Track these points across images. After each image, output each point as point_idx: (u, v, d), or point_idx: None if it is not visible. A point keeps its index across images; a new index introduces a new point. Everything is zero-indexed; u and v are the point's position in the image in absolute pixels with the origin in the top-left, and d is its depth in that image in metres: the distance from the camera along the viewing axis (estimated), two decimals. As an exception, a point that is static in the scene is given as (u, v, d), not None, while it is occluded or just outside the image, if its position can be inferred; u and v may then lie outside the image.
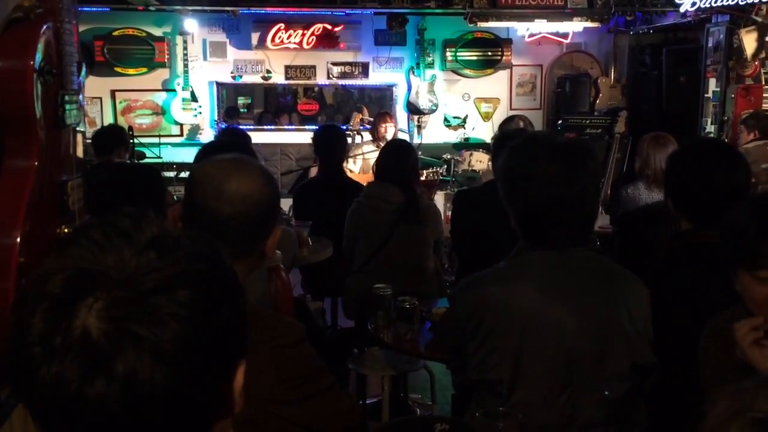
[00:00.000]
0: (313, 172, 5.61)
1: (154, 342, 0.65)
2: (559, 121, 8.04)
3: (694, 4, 6.59)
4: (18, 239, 1.70)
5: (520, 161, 1.81)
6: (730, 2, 6.27)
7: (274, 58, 8.25)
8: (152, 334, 0.65)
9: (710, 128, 6.87)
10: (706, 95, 7.01)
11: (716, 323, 1.66)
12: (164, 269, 0.69)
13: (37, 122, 1.78)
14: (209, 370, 0.70)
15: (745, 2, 6.23)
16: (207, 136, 8.21)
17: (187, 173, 5.49)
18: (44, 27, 1.83)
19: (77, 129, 2.15)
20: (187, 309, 0.68)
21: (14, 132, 1.76)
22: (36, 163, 1.77)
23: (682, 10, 6.82)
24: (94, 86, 7.54)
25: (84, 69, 2.14)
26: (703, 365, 1.66)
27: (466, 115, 8.60)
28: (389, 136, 6.20)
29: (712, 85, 6.91)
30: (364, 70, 8.37)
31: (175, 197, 2.48)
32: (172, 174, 6.55)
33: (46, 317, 0.66)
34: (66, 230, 1.90)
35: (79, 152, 2.09)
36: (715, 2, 6.36)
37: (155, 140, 7.80)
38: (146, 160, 6.87)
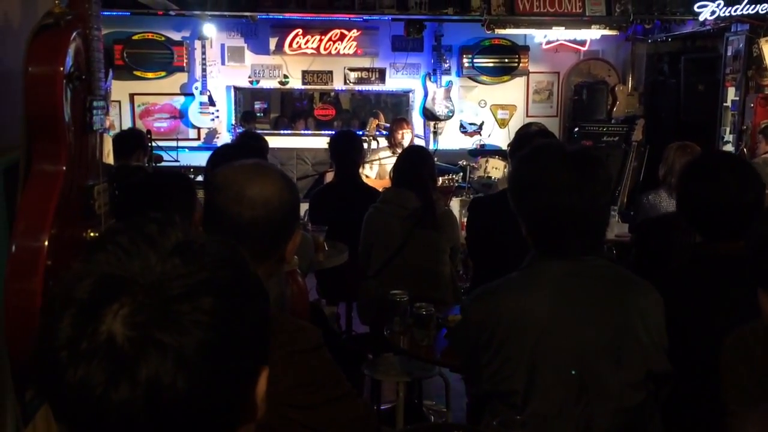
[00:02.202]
0: (329, 177, 5.63)
1: (177, 349, 0.66)
2: (576, 129, 8.02)
3: (713, 13, 6.57)
4: (46, 242, 1.72)
5: (530, 170, 1.81)
6: (750, 11, 6.24)
7: (292, 64, 8.29)
8: (175, 341, 0.66)
9: (729, 137, 6.84)
10: (724, 104, 6.98)
11: (738, 336, 1.65)
12: (189, 276, 0.70)
13: (65, 127, 1.81)
14: (232, 377, 0.71)
15: (765, 11, 6.20)
16: (224, 140, 8.26)
17: (205, 177, 5.49)
18: (74, 33, 1.85)
19: (104, 133, 2.18)
20: (210, 316, 0.69)
21: (43, 137, 1.78)
22: (64, 168, 1.80)
23: (701, 18, 6.80)
24: (114, 90, 7.59)
25: (111, 74, 2.18)
26: (724, 378, 1.65)
27: (482, 122, 8.60)
28: (406, 143, 6.21)
29: (731, 94, 6.88)
30: (381, 75, 8.40)
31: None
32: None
33: (73, 322, 0.67)
34: (92, 234, 1.92)
35: (110, 158, 2.11)
36: (735, 11, 6.34)
37: (173, 144, 7.86)
38: (163, 164, 6.93)
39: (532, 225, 1.80)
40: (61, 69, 1.77)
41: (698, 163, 2.34)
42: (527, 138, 3.76)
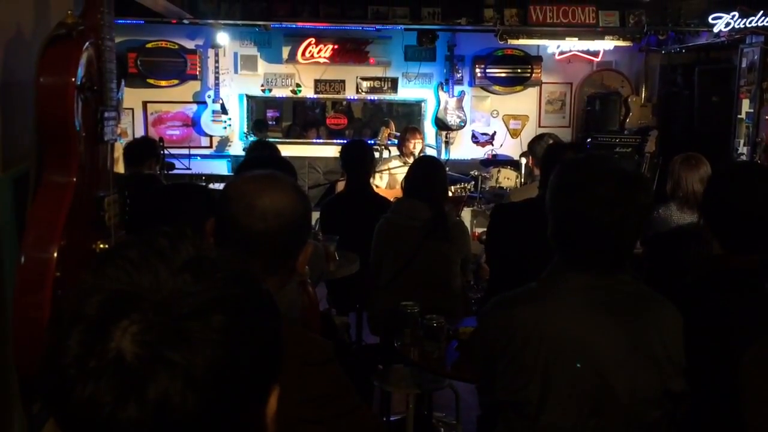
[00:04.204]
0: (340, 186, 5.62)
1: (186, 367, 0.65)
2: (589, 140, 7.99)
3: (728, 24, 6.53)
4: (55, 254, 1.72)
5: (573, 174, 1.81)
6: (765, 23, 6.21)
7: (304, 72, 8.31)
8: (185, 360, 0.65)
9: (743, 150, 6.78)
10: (738, 116, 6.93)
11: (758, 351, 1.63)
12: (199, 293, 0.68)
13: (77, 138, 1.80)
14: (242, 396, 0.70)
15: (780, 23, 6.16)
16: (236, 148, 8.29)
17: (217, 185, 5.52)
18: (86, 44, 1.85)
19: (115, 144, 2.18)
20: (220, 335, 0.67)
21: (54, 147, 1.78)
22: (75, 179, 1.79)
23: (715, 30, 6.77)
24: (127, 97, 7.63)
25: (122, 84, 2.17)
26: (744, 394, 1.63)
27: (494, 132, 8.59)
28: (417, 152, 6.20)
29: (746, 106, 6.82)
30: (393, 85, 8.41)
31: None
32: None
33: (81, 339, 0.66)
34: (102, 246, 1.91)
35: (119, 166, 2.11)
36: (750, 23, 6.31)
37: (185, 151, 7.89)
38: (175, 172, 6.95)
39: (557, 227, 1.79)
40: (73, 80, 1.77)
41: (730, 170, 2.33)
42: (559, 150, 3.74)
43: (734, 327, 1.96)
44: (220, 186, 6.30)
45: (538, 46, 8.21)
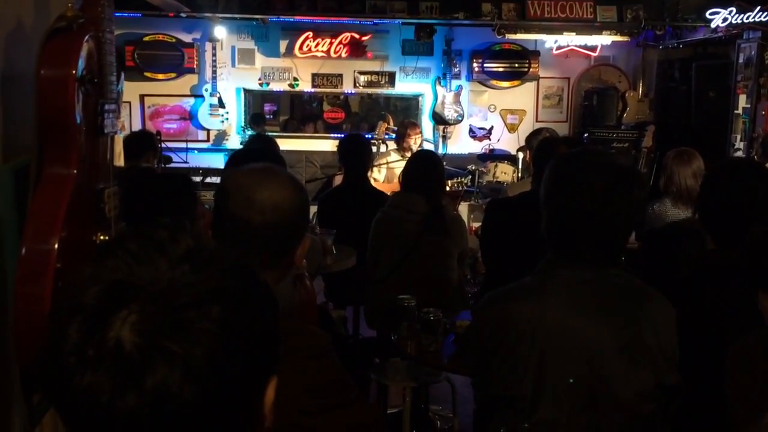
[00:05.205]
0: (338, 180, 5.63)
1: (184, 357, 0.65)
2: (586, 135, 8.00)
3: (725, 20, 6.55)
4: (55, 246, 1.73)
5: (568, 167, 1.82)
6: (762, 19, 6.22)
7: (302, 66, 8.31)
8: (183, 350, 0.65)
9: (739, 145, 6.81)
10: (735, 111, 6.94)
11: (742, 345, 1.65)
12: (197, 284, 0.69)
13: (77, 130, 1.81)
14: (240, 386, 0.71)
15: (777, 19, 6.18)
16: (233, 142, 8.28)
17: (214, 178, 5.52)
18: (86, 37, 1.86)
19: (114, 136, 2.19)
20: (218, 325, 0.68)
21: (55, 140, 1.78)
22: (75, 171, 1.80)
23: (713, 25, 6.78)
24: (124, 90, 7.62)
25: (122, 77, 2.19)
26: (729, 388, 1.65)
27: (492, 126, 8.60)
28: (416, 147, 6.20)
29: (743, 101, 6.84)
30: (391, 79, 8.41)
31: (206, 206, 2.49)
32: (198, 179, 6.62)
33: (80, 328, 0.66)
34: (102, 237, 1.92)
35: (120, 161, 2.12)
36: (747, 18, 6.32)
37: (182, 145, 7.88)
38: (173, 165, 6.94)
39: (550, 221, 1.80)
40: (73, 72, 1.77)
41: (724, 167, 2.34)
42: (552, 144, 3.75)
43: (726, 322, 1.98)
44: (217, 180, 6.31)
45: (536, 40, 8.21)
